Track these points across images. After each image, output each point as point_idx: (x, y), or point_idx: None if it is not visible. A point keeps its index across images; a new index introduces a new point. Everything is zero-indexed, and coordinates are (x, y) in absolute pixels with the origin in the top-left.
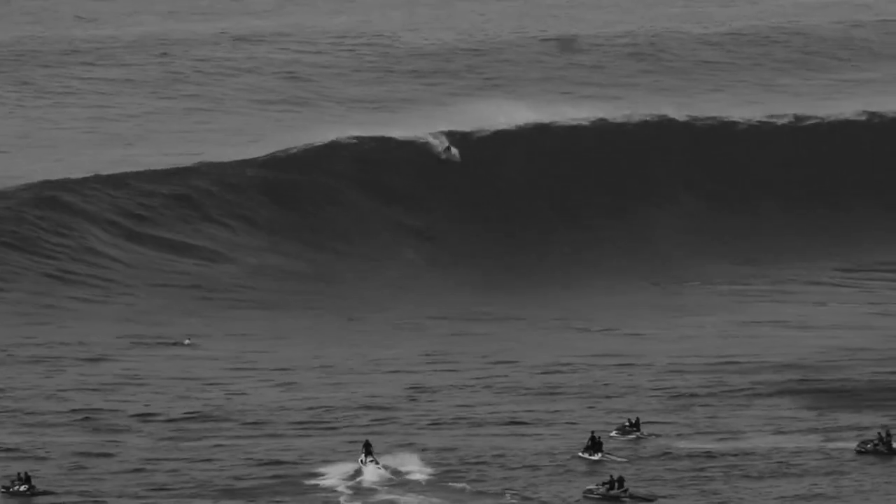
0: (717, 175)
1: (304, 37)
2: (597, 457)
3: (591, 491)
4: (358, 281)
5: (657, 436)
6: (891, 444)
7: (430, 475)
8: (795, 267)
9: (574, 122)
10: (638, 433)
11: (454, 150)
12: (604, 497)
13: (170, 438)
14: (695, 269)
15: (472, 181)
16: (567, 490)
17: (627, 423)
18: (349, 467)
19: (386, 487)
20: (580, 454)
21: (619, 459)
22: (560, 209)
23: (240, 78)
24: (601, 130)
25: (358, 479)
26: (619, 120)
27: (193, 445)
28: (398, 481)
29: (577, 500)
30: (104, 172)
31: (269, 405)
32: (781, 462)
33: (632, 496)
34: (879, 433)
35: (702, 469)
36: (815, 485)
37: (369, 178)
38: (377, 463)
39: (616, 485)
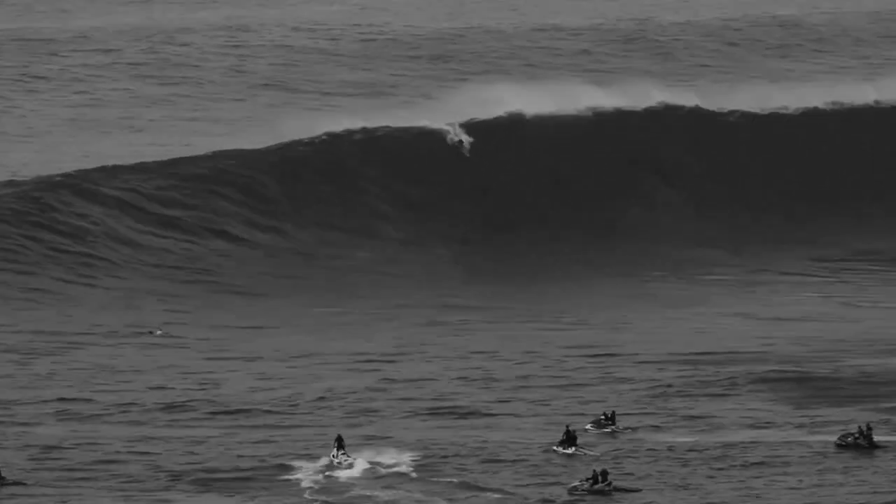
0: (697, 166)
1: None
2: (570, 451)
3: (575, 488)
4: (342, 268)
5: (633, 429)
6: (871, 439)
7: (407, 469)
8: (772, 258)
9: (562, 113)
10: (613, 427)
11: (465, 141)
12: (589, 492)
13: (144, 428)
14: (672, 261)
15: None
16: (546, 487)
17: (603, 417)
18: (322, 461)
19: (360, 482)
20: (554, 448)
21: (591, 453)
22: (550, 200)
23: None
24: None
25: (329, 474)
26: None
27: (167, 436)
28: (373, 475)
29: (562, 498)
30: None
31: (244, 396)
32: (762, 455)
33: (616, 489)
34: (860, 427)
35: (683, 462)
36: (792, 476)
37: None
38: (348, 456)
39: (599, 478)
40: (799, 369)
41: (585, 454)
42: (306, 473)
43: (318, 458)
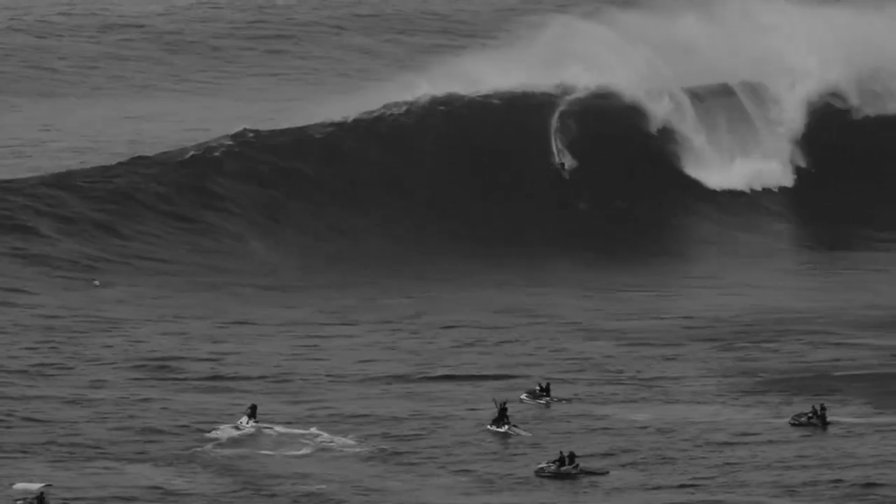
0: None
1: None
2: (504, 429)
3: (542, 469)
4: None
5: (567, 401)
6: (825, 419)
7: (332, 439)
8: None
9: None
10: (548, 398)
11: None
12: (556, 475)
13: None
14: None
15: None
16: (497, 465)
17: (538, 388)
18: (234, 429)
19: (276, 449)
20: (488, 427)
21: (523, 433)
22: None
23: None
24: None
25: (240, 441)
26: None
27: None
28: (290, 443)
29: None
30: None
31: (164, 355)
32: (707, 431)
33: (583, 471)
34: (814, 406)
35: (627, 436)
36: (737, 454)
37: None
38: (260, 424)
39: (567, 460)
40: (748, 343)
41: (518, 433)
42: (218, 440)
43: (232, 424)
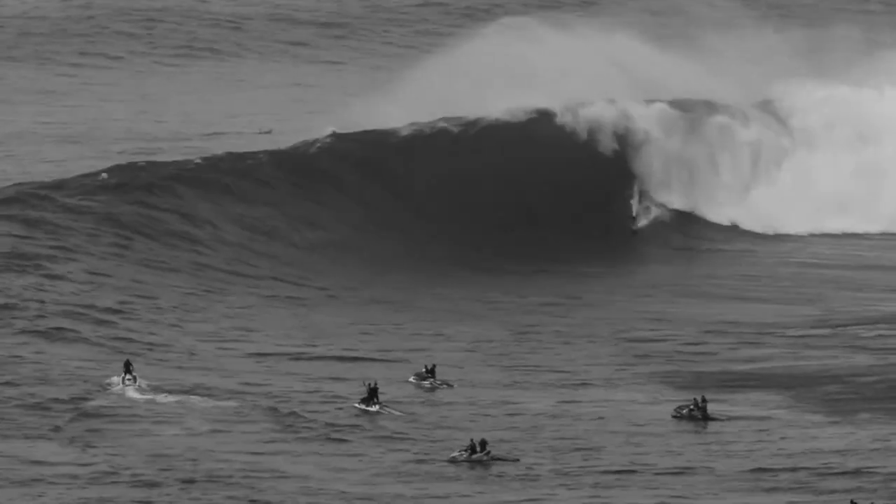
0: None
1: None
2: (374, 408)
3: (454, 458)
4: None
5: (450, 385)
6: (706, 411)
7: (215, 402)
8: None
9: None
10: (432, 380)
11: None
12: (468, 462)
13: None
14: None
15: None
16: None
17: (424, 370)
18: (110, 386)
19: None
20: (356, 405)
21: (395, 413)
22: None
23: None
24: None
25: (116, 398)
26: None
27: None
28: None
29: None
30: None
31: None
32: (593, 419)
33: (494, 458)
34: (696, 399)
35: (537, 427)
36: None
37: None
38: (136, 381)
39: (478, 448)
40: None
41: (391, 413)
42: (93, 398)
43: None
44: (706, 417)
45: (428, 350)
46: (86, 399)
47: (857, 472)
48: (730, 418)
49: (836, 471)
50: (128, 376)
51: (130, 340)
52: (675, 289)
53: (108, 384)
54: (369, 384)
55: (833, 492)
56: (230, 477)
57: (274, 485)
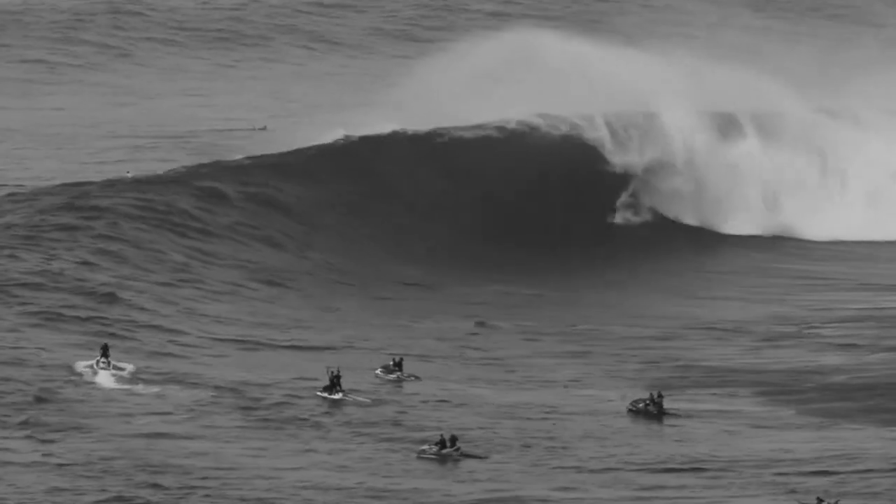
0: None
1: None
2: (338, 396)
3: (423, 451)
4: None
5: (417, 378)
6: (662, 406)
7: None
8: None
9: None
10: (399, 373)
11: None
12: (437, 456)
13: None
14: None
15: None
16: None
17: (392, 363)
18: (84, 369)
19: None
20: (318, 393)
21: (362, 400)
22: None
23: None
24: None
25: (91, 382)
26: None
27: None
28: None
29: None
30: None
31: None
32: (556, 416)
33: (464, 454)
34: (651, 394)
35: (487, 417)
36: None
37: None
38: (111, 365)
39: (448, 443)
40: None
41: (356, 400)
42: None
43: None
44: (661, 412)
45: (400, 343)
46: (53, 387)
47: (825, 472)
48: (687, 415)
49: (804, 470)
50: (102, 359)
51: (113, 325)
52: (646, 286)
53: (82, 370)
54: (332, 371)
55: (800, 490)
56: (195, 467)
57: (239, 475)
